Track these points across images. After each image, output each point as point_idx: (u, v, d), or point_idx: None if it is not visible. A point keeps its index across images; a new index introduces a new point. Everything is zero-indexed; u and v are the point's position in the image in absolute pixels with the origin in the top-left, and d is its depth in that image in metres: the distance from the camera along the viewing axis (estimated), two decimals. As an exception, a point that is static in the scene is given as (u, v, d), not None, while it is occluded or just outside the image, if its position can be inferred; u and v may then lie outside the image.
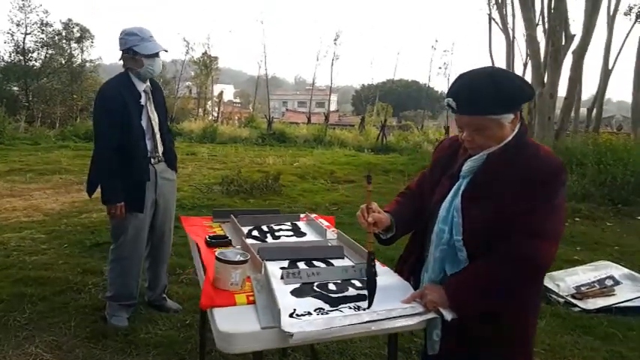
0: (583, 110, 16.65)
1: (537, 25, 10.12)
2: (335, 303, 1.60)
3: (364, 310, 1.56)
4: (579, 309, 3.59)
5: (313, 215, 2.62)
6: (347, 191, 8.09)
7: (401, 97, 37.88)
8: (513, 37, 15.72)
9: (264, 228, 2.42)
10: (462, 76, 1.60)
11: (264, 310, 1.52)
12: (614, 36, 14.63)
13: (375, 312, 1.54)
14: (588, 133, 11.50)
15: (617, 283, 3.78)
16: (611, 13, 14.92)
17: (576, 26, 12.77)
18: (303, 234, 2.35)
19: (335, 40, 25.48)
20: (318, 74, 55.11)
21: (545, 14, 8.65)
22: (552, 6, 8.88)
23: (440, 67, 43.98)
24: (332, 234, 2.33)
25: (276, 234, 2.33)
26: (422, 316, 1.56)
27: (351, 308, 1.57)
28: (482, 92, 1.50)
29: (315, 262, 1.96)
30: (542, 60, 9.23)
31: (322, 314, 1.52)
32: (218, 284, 1.68)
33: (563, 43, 8.93)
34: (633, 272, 3.96)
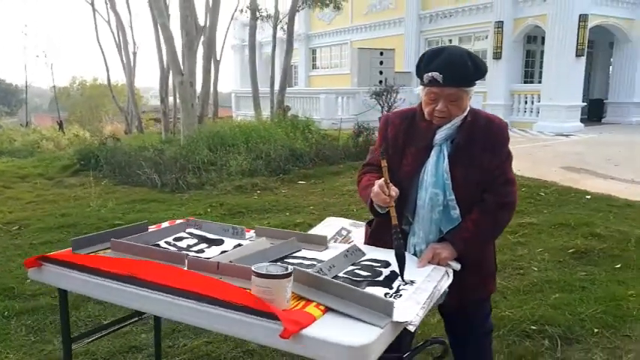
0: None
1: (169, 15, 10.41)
2: (388, 285, 1.60)
3: (409, 282, 1.63)
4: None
5: (191, 219, 2.26)
6: (6, 207, 6.49)
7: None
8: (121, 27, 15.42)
9: (166, 246, 1.97)
10: (438, 54, 1.79)
11: (360, 311, 1.39)
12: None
13: (428, 281, 1.64)
14: (210, 118, 12.75)
15: (349, 231, 4.66)
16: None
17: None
18: (221, 241, 2.04)
19: None
20: None
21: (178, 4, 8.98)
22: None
23: (37, 56, 38.90)
24: (250, 233, 2.12)
25: (194, 248, 1.95)
26: (449, 274, 1.75)
27: (403, 285, 1.61)
28: (466, 67, 1.76)
29: (289, 260, 1.81)
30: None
31: (396, 298, 1.52)
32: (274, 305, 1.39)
33: (195, 34, 9.55)
34: (348, 220, 4.93)
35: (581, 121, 13.88)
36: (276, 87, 11.98)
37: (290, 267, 1.44)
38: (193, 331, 3.09)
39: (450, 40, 16.54)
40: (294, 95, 14.52)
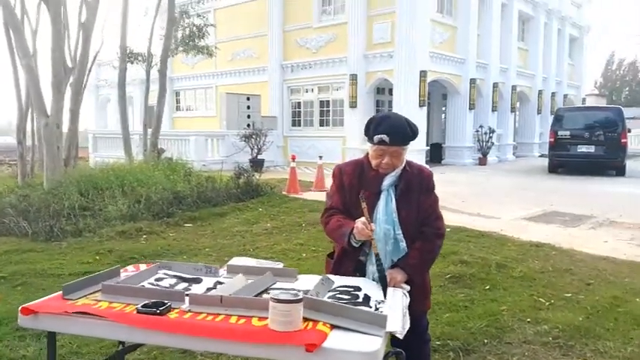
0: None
1: (33, 55, 9.63)
2: (367, 305, 1.96)
3: (382, 302, 2.01)
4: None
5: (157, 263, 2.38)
6: None
7: None
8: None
9: (150, 286, 2.10)
10: (383, 120, 2.26)
11: (360, 325, 1.73)
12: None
13: (394, 301, 2.04)
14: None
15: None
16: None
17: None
18: (199, 279, 2.22)
19: None
20: None
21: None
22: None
23: None
24: (222, 270, 2.33)
25: (178, 287, 2.10)
26: (406, 295, 2.17)
27: (378, 304, 1.98)
28: (406, 130, 2.27)
29: (273, 291, 2.07)
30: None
31: (378, 313, 1.89)
32: (288, 327, 1.66)
33: (64, 75, 9.04)
34: (254, 259, 5.16)
35: (425, 162, 15.78)
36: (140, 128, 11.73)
37: (300, 293, 1.74)
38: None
39: (307, 90, 17.75)
40: (163, 137, 14.29)
